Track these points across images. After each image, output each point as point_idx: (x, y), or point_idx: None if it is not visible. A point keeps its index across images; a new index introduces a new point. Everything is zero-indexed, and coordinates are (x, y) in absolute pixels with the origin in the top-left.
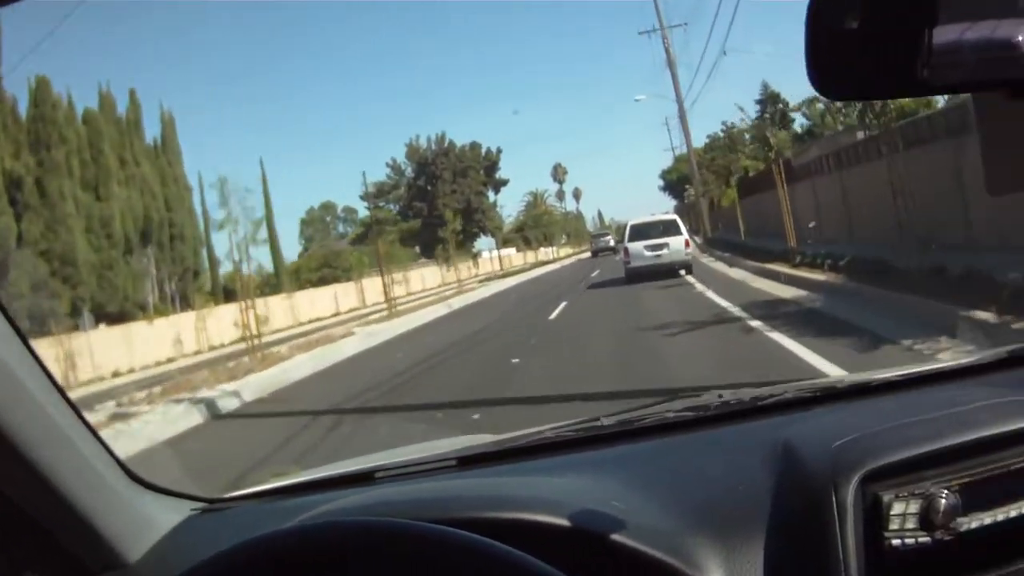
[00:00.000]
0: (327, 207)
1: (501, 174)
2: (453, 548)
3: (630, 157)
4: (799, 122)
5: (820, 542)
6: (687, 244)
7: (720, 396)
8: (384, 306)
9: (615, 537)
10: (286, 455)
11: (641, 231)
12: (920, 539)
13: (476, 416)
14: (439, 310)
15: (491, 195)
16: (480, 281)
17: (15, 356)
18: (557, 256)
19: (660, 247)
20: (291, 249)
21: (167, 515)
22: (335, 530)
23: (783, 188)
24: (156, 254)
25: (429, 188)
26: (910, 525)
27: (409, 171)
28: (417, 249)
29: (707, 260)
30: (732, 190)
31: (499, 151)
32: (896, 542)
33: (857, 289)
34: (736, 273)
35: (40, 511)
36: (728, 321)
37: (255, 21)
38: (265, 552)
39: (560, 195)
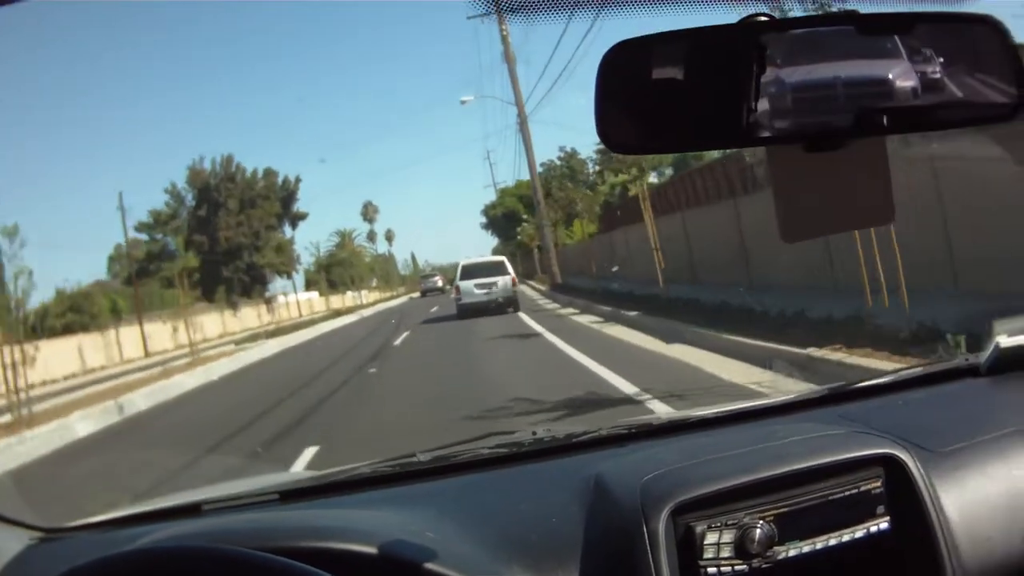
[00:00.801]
0: (134, 243)
1: (300, 206)
2: (268, 572)
3: (448, 197)
4: None
5: (633, 572)
6: (514, 282)
7: (534, 433)
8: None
9: (428, 566)
10: None
11: (471, 271)
12: (736, 567)
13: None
14: (84, 425)
15: (288, 230)
16: (240, 342)
17: None
18: (363, 302)
19: (489, 285)
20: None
21: (6, 544)
22: (147, 555)
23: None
24: None
25: (212, 219)
26: (725, 554)
27: (190, 198)
28: (201, 291)
29: (590, 320)
30: (587, 223)
31: (298, 180)
32: (712, 570)
33: None
34: (727, 367)
35: None
36: None
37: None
38: None
39: (372, 236)
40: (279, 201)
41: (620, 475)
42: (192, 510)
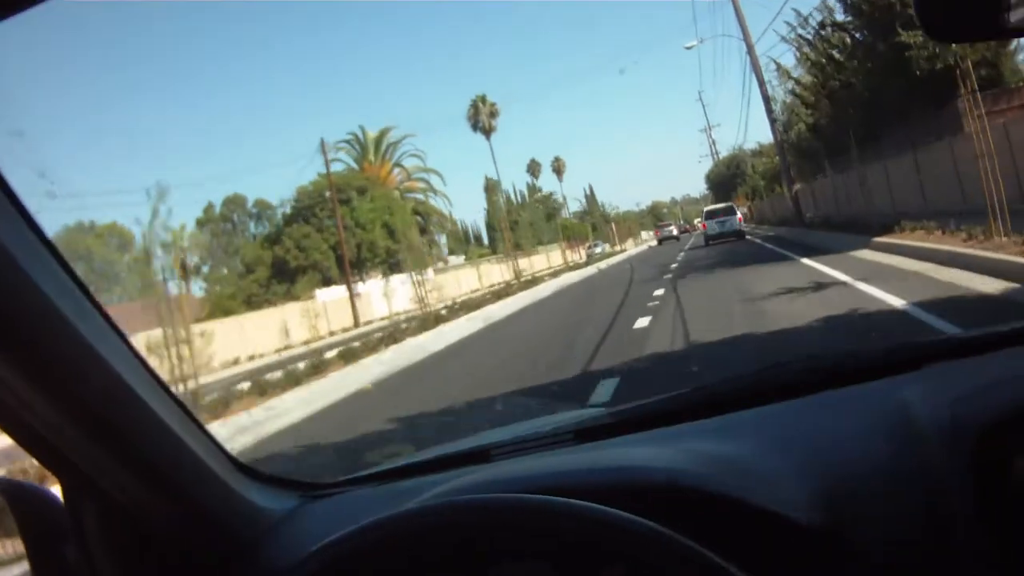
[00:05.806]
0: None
1: None
2: (577, 519)
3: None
4: None
5: (944, 501)
6: (740, 220)
7: (832, 358)
8: None
9: (745, 500)
10: None
11: (712, 213)
12: None
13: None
14: None
15: None
16: None
17: (116, 352)
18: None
19: (723, 222)
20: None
21: (276, 504)
22: (452, 509)
23: None
24: None
25: None
26: None
27: None
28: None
29: None
30: None
31: None
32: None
33: None
34: None
35: (145, 505)
36: None
37: None
38: (382, 535)
39: (558, 168)
40: None
41: (926, 398)
42: (479, 456)
